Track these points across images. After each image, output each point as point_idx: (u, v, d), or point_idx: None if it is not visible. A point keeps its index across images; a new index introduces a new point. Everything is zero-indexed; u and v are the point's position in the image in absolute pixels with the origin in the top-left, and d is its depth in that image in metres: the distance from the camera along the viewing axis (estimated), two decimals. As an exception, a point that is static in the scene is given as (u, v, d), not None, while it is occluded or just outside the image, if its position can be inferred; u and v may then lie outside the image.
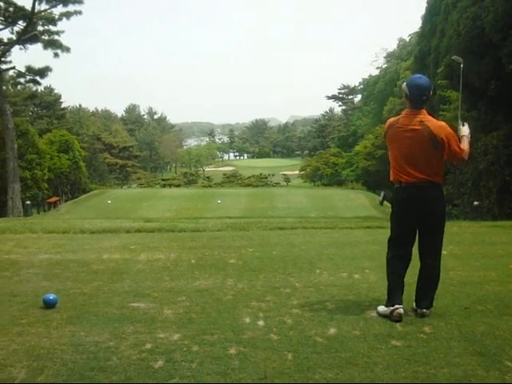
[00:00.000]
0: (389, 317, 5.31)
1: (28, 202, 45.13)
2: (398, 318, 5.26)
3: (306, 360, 4.31)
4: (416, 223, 5.43)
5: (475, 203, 26.74)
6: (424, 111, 5.33)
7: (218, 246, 9.49)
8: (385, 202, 38.60)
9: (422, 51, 46.13)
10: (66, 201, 55.31)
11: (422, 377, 3.98)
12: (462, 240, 9.95)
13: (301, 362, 4.28)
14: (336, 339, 4.83)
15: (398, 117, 5.52)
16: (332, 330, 5.05)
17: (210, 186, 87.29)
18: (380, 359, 4.32)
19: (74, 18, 40.60)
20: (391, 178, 5.51)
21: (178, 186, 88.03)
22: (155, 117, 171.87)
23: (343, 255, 8.55)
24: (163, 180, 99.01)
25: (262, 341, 4.79)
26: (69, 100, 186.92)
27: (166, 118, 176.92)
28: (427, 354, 4.42)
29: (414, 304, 5.55)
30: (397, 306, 5.30)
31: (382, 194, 39.72)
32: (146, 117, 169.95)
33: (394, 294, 5.41)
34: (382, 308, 5.48)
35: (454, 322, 5.19)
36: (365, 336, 4.91)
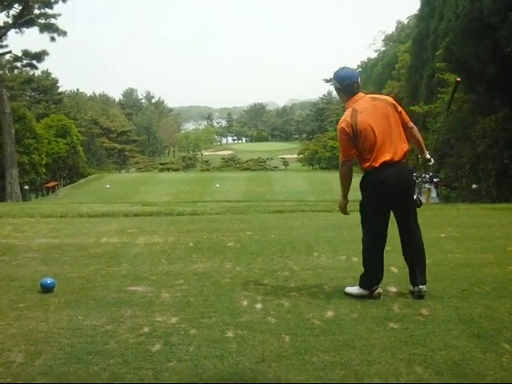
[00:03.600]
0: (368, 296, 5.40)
1: (26, 187, 45.04)
2: (379, 297, 5.40)
3: (303, 343, 4.29)
4: (395, 203, 5.44)
5: (473, 186, 26.70)
6: (362, 93, 5.42)
7: (216, 229, 9.50)
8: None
9: (421, 34, 46.06)
10: (64, 185, 55.28)
11: (420, 359, 3.97)
12: (460, 222, 9.95)
13: (298, 344, 4.26)
14: (334, 322, 4.81)
15: (348, 111, 5.36)
16: (329, 313, 5.03)
17: (209, 170, 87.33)
18: (377, 341, 4.30)
19: (70, 1, 40.35)
20: (365, 166, 5.37)
21: (177, 170, 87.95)
22: (153, 101, 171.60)
23: (341, 238, 8.54)
24: (161, 164, 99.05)
25: (259, 324, 4.77)
26: (66, 84, 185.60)
27: (163, 102, 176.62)
28: (425, 336, 4.41)
29: (411, 286, 5.55)
30: (375, 287, 5.44)
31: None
32: (143, 101, 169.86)
33: (374, 279, 5.50)
34: (355, 289, 5.54)
35: (452, 305, 5.17)
36: (362, 319, 4.89)
